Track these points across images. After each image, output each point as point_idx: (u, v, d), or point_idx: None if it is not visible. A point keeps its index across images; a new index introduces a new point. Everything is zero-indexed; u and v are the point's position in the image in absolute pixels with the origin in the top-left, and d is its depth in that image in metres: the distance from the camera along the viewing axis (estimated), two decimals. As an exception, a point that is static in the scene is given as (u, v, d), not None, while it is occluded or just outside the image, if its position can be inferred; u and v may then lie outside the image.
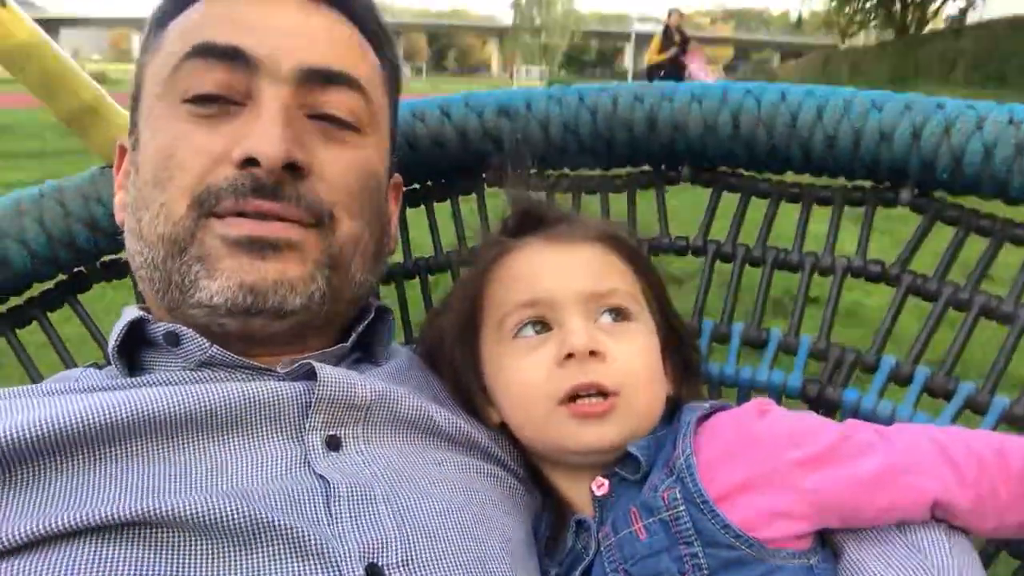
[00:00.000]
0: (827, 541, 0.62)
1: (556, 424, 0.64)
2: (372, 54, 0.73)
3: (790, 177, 0.96)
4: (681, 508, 0.58)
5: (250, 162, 0.61)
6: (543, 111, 0.96)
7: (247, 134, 0.62)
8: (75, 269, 0.89)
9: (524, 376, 0.65)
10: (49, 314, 0.89)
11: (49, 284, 0.88)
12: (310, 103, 0.65)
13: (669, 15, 10.52)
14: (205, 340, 0.62)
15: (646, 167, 1.00)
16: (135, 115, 0.68)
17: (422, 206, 1.03)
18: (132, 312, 0.65)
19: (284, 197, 0.62)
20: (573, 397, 0.63)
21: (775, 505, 0.57)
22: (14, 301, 0.86)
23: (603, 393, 0.63)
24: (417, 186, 1.03)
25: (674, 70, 9.98)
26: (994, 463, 0.59)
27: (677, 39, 10.37)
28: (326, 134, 0.66)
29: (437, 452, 0.65)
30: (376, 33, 0.73)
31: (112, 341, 0.64)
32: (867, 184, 0.91)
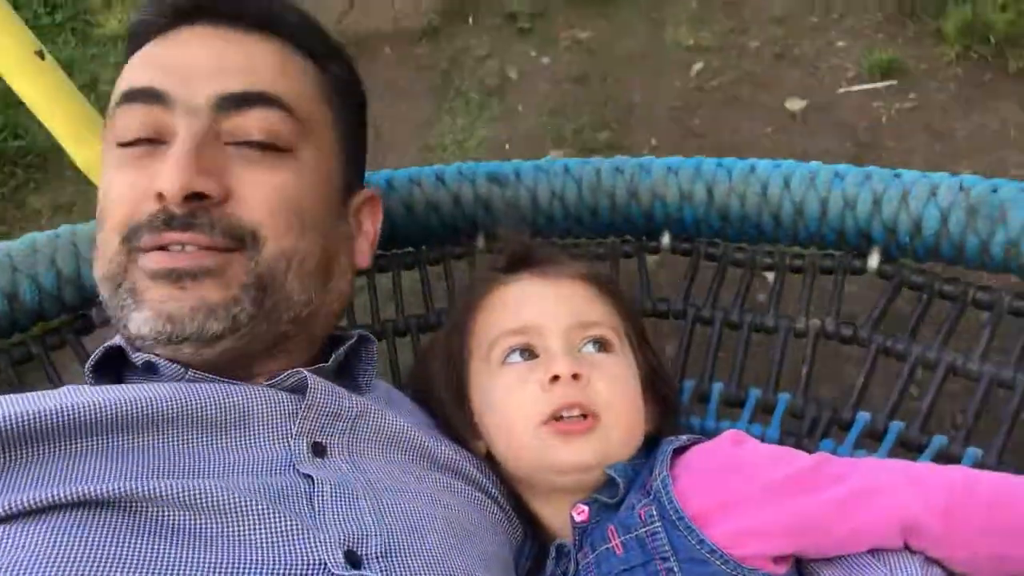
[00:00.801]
0: (804, 570, 0.62)
1: (539, 443, 0.66)
2: (303, 66, 0.72)
3: (765, 248, 1.02)
4: (657, 524, 0.59)
5: (161, 197, 0.63)
6: (531, 180, 1.02)
7: (159, 171, 0.63)
8: (80, 312, 0.92)
9: (511, 400, 0.68)
10: (51, 353, 0.91)
11: (53, 323, 0.91)
12: (228, 130, 0.66)
13: None
14: (180, 367, 0.64)
15: (629, 237, 1.07)
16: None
17: (416, 268, 1.07)
18: (115, 341, 0.67)
19: (196, 227, 0.63)
20: (557, 418, 0.65)
21: (748, 524, 0.59)
22: (18, 337, 0.89)
23: (584, 414, 0.65)
24: (412, 249, 1.08)
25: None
26: (963, 491, 0.61)
27: None
28: (247, 158, 0.66)
29: (420, 470, 0.66)
30: (315, 47, 0.74)
31: (90, 363, 0.66)
32: (837, 253, 0.97)
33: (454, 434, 0.74)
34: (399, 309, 1.06)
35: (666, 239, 1.04)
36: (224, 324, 0.63)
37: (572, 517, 0.65)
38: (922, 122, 1.92)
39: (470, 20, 2.63)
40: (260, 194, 0.65)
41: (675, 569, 0.57)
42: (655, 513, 0.59)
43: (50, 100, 0.83)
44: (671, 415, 0.76)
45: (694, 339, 1.00)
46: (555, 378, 0.66)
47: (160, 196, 0.63)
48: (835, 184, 0.91)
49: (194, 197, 0.62)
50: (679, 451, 0.66)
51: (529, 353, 0.70)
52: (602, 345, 0.71)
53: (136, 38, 0.71)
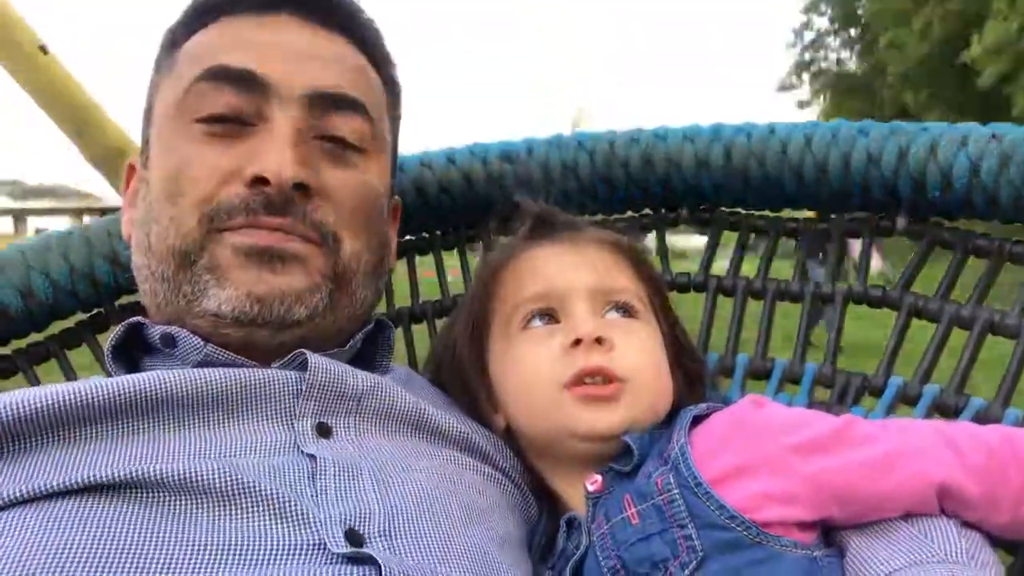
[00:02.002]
0: (833, 539, 0.59)
1: (561, 408, 0.64)
2: (377, 78, 0.76)
3: (787, 214, 0.98)
4: (675, 492, 0.57)
5: (261, 181, 0.64)
6: (543, 155, 1.00)
7: (258, 154, 0.64)
8: (95, 309, 0.92)
9: (531, 364, 0.67)
10: (67, 352, 0.92)
11: (70, 323, 0.92)
12: (319, 125, 0.68)
13: None
14: (200, 339, 0.63)
15: (647, 211, 1.04)
16: (146, 134, 0.72)
17: (431, 253, 1.06)
18: (134, 319, 0.67)
19: (292, 214, 0.65)
20: (579, 382, 0.63)
21: (770, 488, 0.56)
22: (34, 337, 0.90)
23: (609, 380, 0.63)
24: (426, 234, 1.06)
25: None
26: (1002, 449, 0.57)
27: None
28: (333, 156, 0.69)
29: (430, 447, 0.65)
30: (381, 56, 0.77)
31: (108, 343, 0.66)
32: (863, 215, 0.92)
33: (472, 410, 0.73)
34: (414, 295, 1.05)
35: (684, 211, 1.01)
36: (307, 311, 0.64)
37: (585, 487, 0.63)
38: None
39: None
40: (343, 193, 0.68)
41: (693, 536, 0.54)
42: (672, 481, 0.57)
43: (54, 94, 0.83)
44: (695, 387, 0.73)
45: (717, 311, 0.97)
46: (577, 342, 0.64)
47: (258, 180, 0.64)
48: (859, 139, 0.87)
49: (296, 187, 0.64)
50: (699, 419, 0.64)
51: (550, 318, 0.68)
52: (627, 311, 0.69)
53: (206, 12, 0.71)
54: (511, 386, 0.69)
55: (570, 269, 0.69)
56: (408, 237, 1.06)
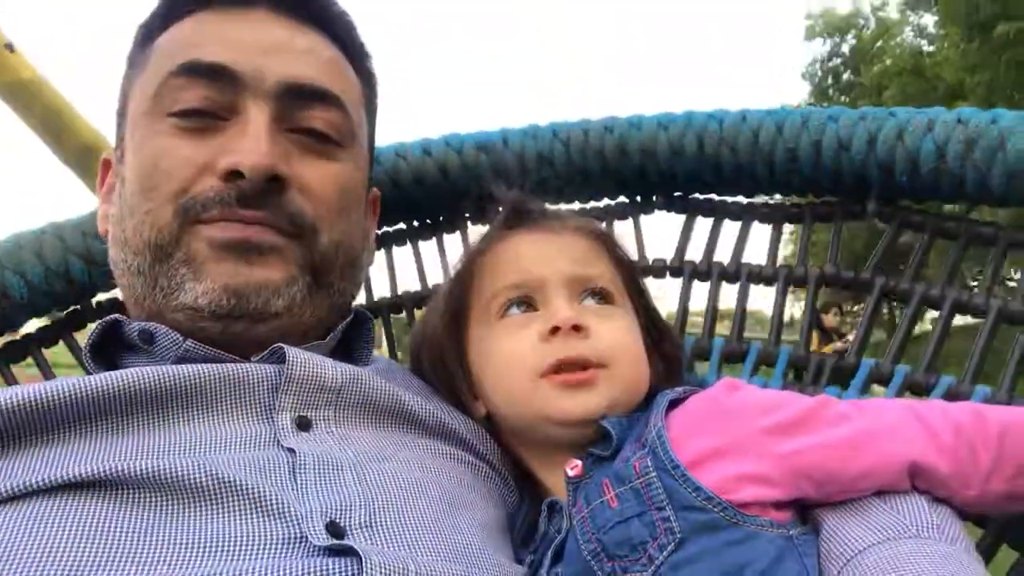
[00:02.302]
0: (808, 518, 0.61)
1: (539, 395, 0.65)
2: (352, 72, 0.76)
3: (761, 199, 1.00)
4: (652, 475, 0.58)
5: (235, 174, 0.64)
6: (519, 144, 1.00)
7: (232, 147, 0.64)
8: (71, 307, 0.92)
9: (509, 352, 0.67)
10: (44, 350, 0.91)
11: (45, 320, 0.91)
12: (292, 118, 0.68)
13: (826, 312, 7.81)
14: (179, 335, 0.63)
15: (622, 199, 1.05)
16: (121, 129, 0.72)
17: (408, 244, 1.06)
18: (110, 317, 0.67)
19: (267, 206, 0.64)
20: (557, 370, 0.64)
21: (745, 469, 0.57)
22: (9, 336, 0.89)
23: (587, 367, 0.64)
24: (403, 225, 1.07)
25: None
26: (971, 425, 0.59)
27: (836, 340, 7.53)
28: (307, 148, 0.69)
29: (409, 437, 0.65)
30: (355, 48, 0.77)
31: (87, 342, 0.66)
32: (834, 200, 0.94)
33: (452, 398, 0.73)
34: (393, 286, 1.05)
35: (660, 197, 1.02)
36: (284, 303, 0.65)
37: (566, 472, 0.64)
38: None
39: None
40: (319, 185, 0.68)
41: (671, 518, 0.55)
42: (650, 464, 0.58)
43: (22, 93, 0.82)
44: (673, 370, 0.74)
45: (691, 296, 0.98)
46: (555, 330, 0.65)
47: (232, 173, 0.63)
48: (829, 126, 0.88)
49: (270, 179, 0.64)
50: (675, 403, 0.65)
51: (528, 306, 0.69)
52: (603, 297, 0.70)
53: (183, 5, 0.70)
54: (490, 375, 0.70)
55: (546, 257, 0.70)
56: (385, 229, 1.07)
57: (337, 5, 0.75)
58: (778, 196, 0.99)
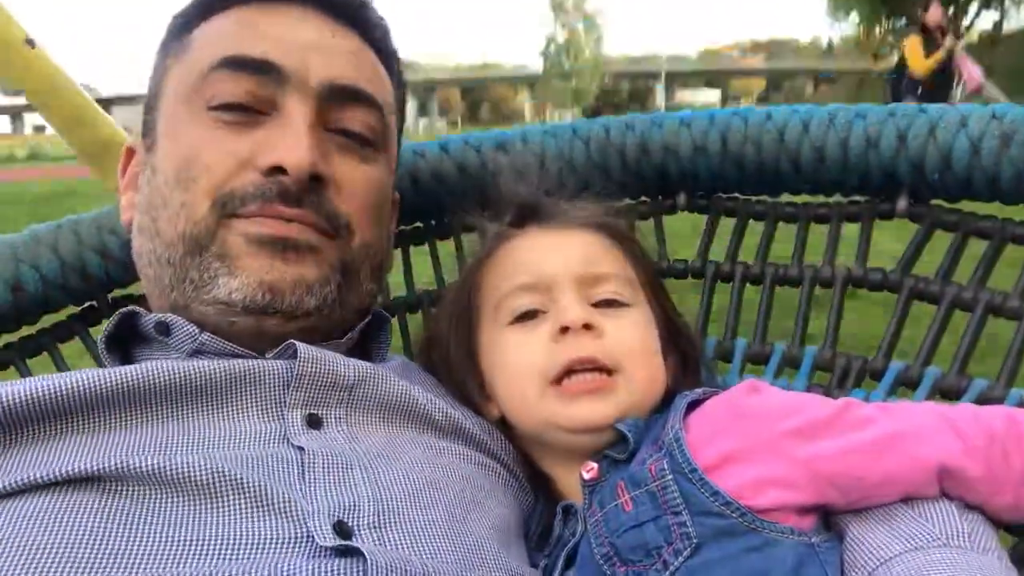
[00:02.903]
0: (832, 525, 0.58)
1: (551, 402, 0.63)
2: (387, 75, 0.76)
3: (786, 198, 0.97)
4: (669, 478, 0.56)
5: (277, 170, 0.63)
6: (538, 144, 0.99)
7: (274, 143, 0.64)
8: (87, 302, 0.92)
9: (519, 356, 0.66)
10: (60, 345, 0.91)
11: (61, 316, 0.91)
12: (332, 118, 0.68)
13: (927, 9, 7.18)
14: (195, 327, 0.63)
15: (644, 198, 1.02)
16: (152, 117, 0.71)
17: (425, 244, 1.05)
18: (128, 308, 0.67)
19: (306, 204, 0.64)
20: (568, 374, 0.62)
21: (765, 473, 0.55)
22: (27, 330, 0.89)
23: (599, 369, 0.62)
24: (420, 224, 1.06)
25: (944, 79, 7.02)
26: (1004, 429, 0.56)
27: (945, 40, 7.01)
28: (345, 148, 0.69)
29: (423, 436, 0.64)
30: (389, 52, 0.77)
31: (102, 333, 0.65)
32: (863, 199, 0.91)
33: (466, 400, 0.72)
34: (409, 284, 1.04)
35: (682, 197, 1.00)
36: (317, 302, 0.64)
37: (581, 475, 0.62)
38: None
39: None
40: (355, 186, 0.68)
41: (687, 523, 0.53)
42: (667, 467, 0.56)
43: (42, 87, 0.83)
44: (691, 370, 0.72)
45: (715, 298, 0.96)
46: (565, 330, 0.63)
47: (274, 169, 0.63)
48: (856, 123, 0.86)
49: (312, 177, 0.64)
50: (694, 404, 0.63)
51: (538, 311, 0.67)
52: (615, 302, 0.68)
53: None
54: (501, 380, 0.68)
55: (555, 256, 0.68)
56: (403, 227, 1.06)
57: (375, 10, 0.75)
58: (805, 196, 0.97)
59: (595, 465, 0.62)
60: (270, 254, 0.63)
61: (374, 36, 0.75)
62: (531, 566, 0.61)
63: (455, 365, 0.72)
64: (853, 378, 0.83)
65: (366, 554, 0.47)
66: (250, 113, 0.66)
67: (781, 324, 0.93)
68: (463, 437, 0.67)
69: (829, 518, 0.58)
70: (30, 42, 0.80)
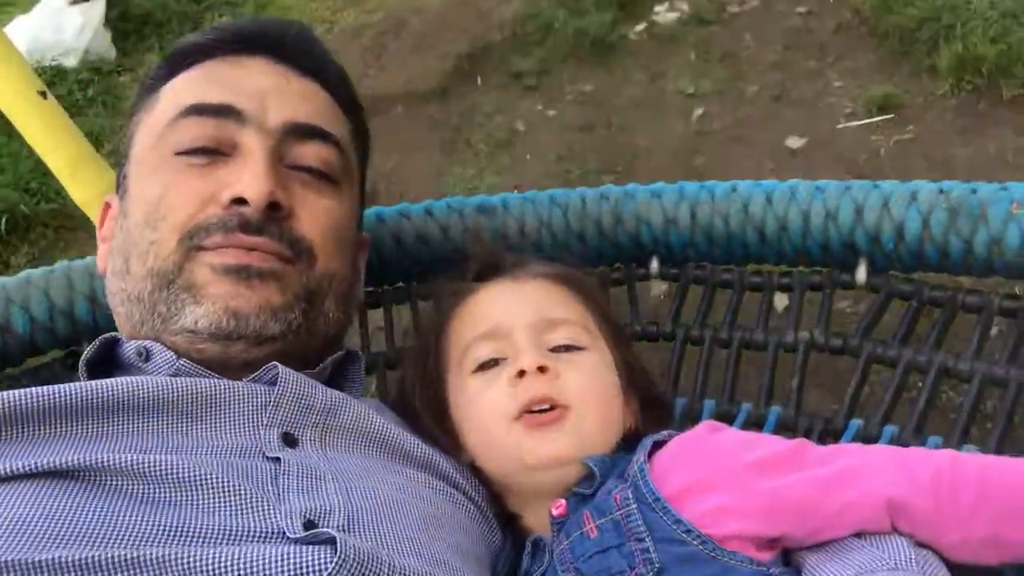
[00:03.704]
0: (792, 561, 0.60)
1: (513, 440, 0.65)
2: (343, 115, 0.80)
3: (752, 268, 1.02)
4: (633, 506, 0.58)
5: (238, 202, 0.67)
6: (518, 210, 1.04)
7: (235, 177, 0.68)
8: (71, 347, 0.94)
9: (482, 403, 0.68)
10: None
11: (45, 359, 0.93)
12: (291, 155, 0.72)
13: None
14: (173, 354, 0.65)
15: (619, 264, 1.07)
16: (124, 169, 0.76)
17: (406, 303, 1.08)
18: (108, 335, 0.69)
19: (267, 232, 0.68)
20: (526, 412, 0.65)
21: (726, 502, 0.57)
22: (10, 371, 0.91)
23: (555, 407, 0.65)
24: (403, 284, 1.09)
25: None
26: (950, 468, 0.59)
27: None
28: (304, 183, 0.72)
29: (394, 464, 0.66)
30: (348, 101, 0.81)
31: (83, 358, 0.67)
32: (824, 269, 0.96)
33: (437, 446, 0.74)
34: (391, 344, 1.06)
35: (655, 265, 1.04)
36: (282, 327, 0.66)
37: (550, 511, 0.64)
38: (920, 152, 1.93)
39: (478, 81, 2.71)
40: (314, 215, 0.71)
41: (651, 549, 0.55)
42: (631, 496, 0.58)
43: (51, 138, 0.87)
44: (656, 414, 0.75)
45: (685, 361, 0.99)
46: (522, 373, 0.66)
47: (235, 201, 0.67)
48: (816, 197, 0.91)
49: (271, 207, 0.67)
50: (659, 445, 0.65)
51: (498, 360, 0.70)
52: (572, 340, 0.71)
53: (185, 57, 0.76)
54: (468, 428, 0.71)
55: (512, 306, 0.72)
56: (385, 287, 1.09)
57: (331, 57, 0.81)
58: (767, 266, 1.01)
59: (563, 502, 0.64)
60: (234, 282, 0.66)
61: (329, 83, 0.79)
62: None
63: (424, 416, 0.74)
64: (816, 436, 0.86)
65: (337, 540, 0.48)
66: (213, 155, 0.70)
67: (747, 387, 0.96)
68: (434, 470, 0.69)
69: (789, 555, 0.60)
70: (42, 94, 0.84)
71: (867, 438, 0.83)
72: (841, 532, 0.58)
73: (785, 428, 0.88)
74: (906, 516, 0.57)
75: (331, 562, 0.47)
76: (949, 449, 0.63)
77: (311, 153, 0.73)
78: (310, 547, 0.49)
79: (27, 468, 0.51)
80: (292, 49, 0.77)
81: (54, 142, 0.87)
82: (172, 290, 0.66)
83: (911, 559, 0.54)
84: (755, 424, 0.90)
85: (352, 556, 0.48)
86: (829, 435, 0.85)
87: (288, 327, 0.67)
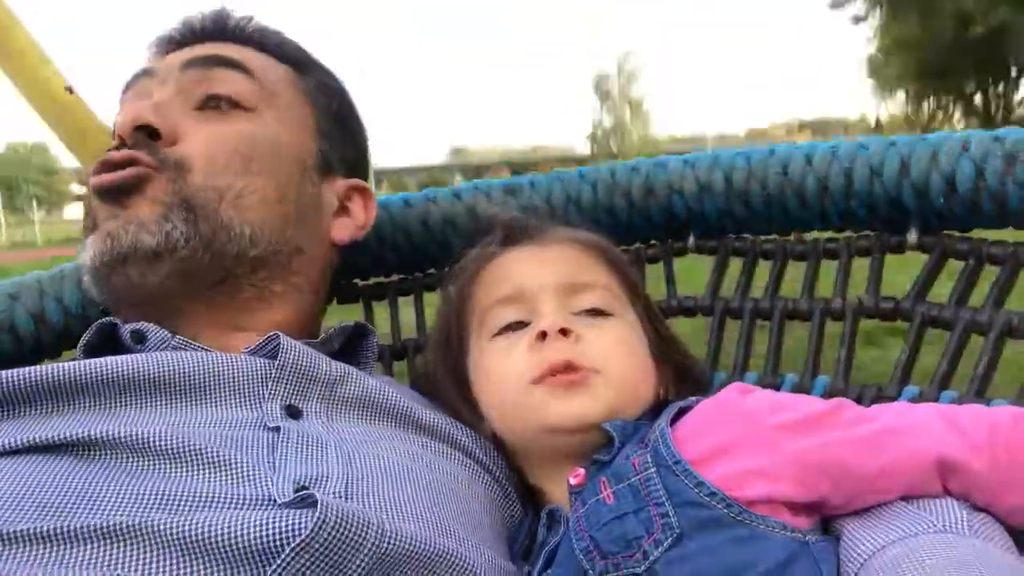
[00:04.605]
0: (831, 528, 0.55)
1: (534, 402, 0.62)
2: (273, 62, 0.80)
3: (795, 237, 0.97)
4: (652, 471, 0.54)
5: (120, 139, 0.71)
6: (545, 188, 1.01)
7: None
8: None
9: (501, 366, 0.66)
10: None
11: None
12: (198, 88, 0.73)
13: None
14: (167, 333, 0.65)
15: (653, 241, 1.03)
16: None
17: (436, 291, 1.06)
18: (104, 320, 0.69)
19: (134, 148, 0.69)
20: (546, 376, 0.62)
21: (753, 465, 0.53)
22: (47, 364, 0.92)
23: (576, 370, 0.62)
24: (434, 270, 1.07)
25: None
26: (1008, 425, 0.53)
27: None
28: (207, 116, 0.73)
29: (407, 434, 0.64)
30: (291, 55, 0.83)
31: (80, 345, 0.68)
32: (872, 233, 0.90)
33: (458, 420, 0.71)
34: (421, 330, 1.05)
35: (691, 239, 1.00)
36: (157, 239, 0.66)
37: (569, 482, 0.60)
38: None
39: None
40: (203, 138, 0.71)
41: (670, 513, 0.51)
42: (650, 460, 0.54)
43: (78, 133, 0.88)
44: (684, 381, 0.71)
45: (725, 336, 0.94)
46: (543, 335, 0.63)
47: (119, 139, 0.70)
48: (859, 153, 0.86)
49: (142, 130, 0.69)
50: (685, 411, 0.61)
51: (521, 324, 0.67)
52: (599, 313, 0.67)
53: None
54: (487, 392, 0.68)
55: (536, 269, 0.69)
56: (416, 274, 1.07)
57: (270, 31, 0.83)
58: (815, 233, 0.96)
59: (582, 471, 0.60)
60: (109, 205, 0.68)
61: (268, 47, 0.82)
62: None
63: (445, 385, 0.72)
64: (866, 406, 0.79)
65: (319, 502, 0.46)
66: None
67: (792, 363, 0.90)
68: (450, 441, 0.66)
69: (829, 523, 0.55)
70: (69, 89, 0.86)
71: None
72: (884, 496, 0.52)
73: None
74: (959, 476, 0.52)
75: (311, 522, 0.45)
76: (1007, 407, 0.57)
77: (217, 79, 0.74)
78: (293, 511, 0.47)
79: (14, 445, 0.51)
80: (200, 33, 0.81)
81: (81, 136, 0.88)
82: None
83: (962, 520, 0.48)
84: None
85: (333, 518, 0.46)
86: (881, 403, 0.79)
87: (167, 240, 0.66)
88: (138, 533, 0.44)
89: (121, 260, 0.66)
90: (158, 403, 0.58)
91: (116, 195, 0.68)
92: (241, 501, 0.49)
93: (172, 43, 0.81)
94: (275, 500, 0.49)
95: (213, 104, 0.73)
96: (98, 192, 0.68)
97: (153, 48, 0.82)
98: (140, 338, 0.66)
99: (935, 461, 0.51)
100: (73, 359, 0.93)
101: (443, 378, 0.72)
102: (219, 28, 0.80)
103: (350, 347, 0.75)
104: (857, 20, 28.31)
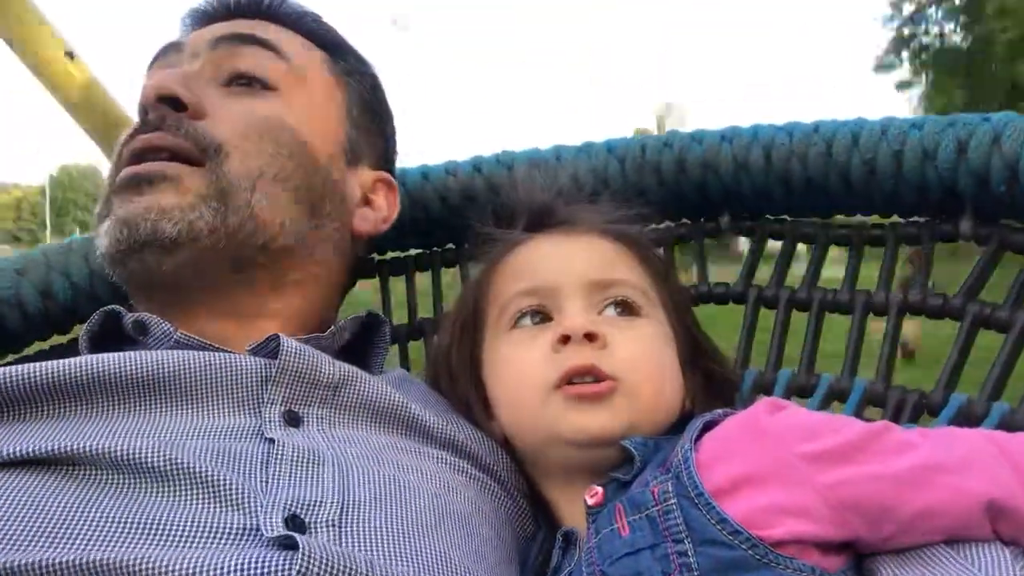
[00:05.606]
0: (865, 569, 0.51)
1: (550, 410, 0.59)
2: (305, 42, 0.78)
3: (838, 220, 0.90)
4: (672, 502, 0.50)
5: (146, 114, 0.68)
6: (572, 162, 0.96)
7: None
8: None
9: (519, 364, 0.62)
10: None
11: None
12: (227, 63, 0.71)
13: None
14: (170, 326, 0.62)
15: (684, 220, 0.97)
16: None
17: (455, 265, 1.02)
18: (108, 308, 0.67)
19: (164, 127, 0.65)
20: (568, 382, 0.58)
21: (781, 500, 0.48)
22: (56, 340, 0.90)
23: (599, 379, 0.57)
24: (452, 245, 1.03)
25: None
26: None
27: None
28: (234, 93, 0.70)
29: (412, 444, 0.60)
30: (324, 37, 0.80)
31: (83, 332, 0.65)
32: (922, 219, 0.84)
33: (469, 417, 0.68)
34: (437, 307, 1.01)
35: (726, 218, 0.94)
36: (179, 227, 0.63)
37: (585, 500, 0.56)
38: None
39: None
40: (233, 116, 0.68)
41: (689, 553, 0.47)
42: (671, 489, 0.50)
43: (81, 99, 0.85)
44: (716, 391, 0.66)
45: (758, 326, 0.89)
46: (566, 339, 0.58)
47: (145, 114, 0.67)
48: (911, 134, 0.79)
49: (168, 102, 0.66)
50: (711, 425, 0.56)
51: (542, 316, 0.63)
52: (626, 308, 0.63)
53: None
54: (500, 390, 0.64)
55: (562, 262, 0.64)
56: (435, 248, 1.03)
57: (305, 11, 0.80)
58: (859, 217, 0.90)
59: (599, 489, 0.57)
60: (125, 193, 0.64)
61: (299, 26, 0.79)
62: None
63: (457, 376, 0.68)
64: (908, 413, 0.74)
65: (300, 546, 0.43)
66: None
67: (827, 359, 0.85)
68: (458, 451, 0.63)
69: (863, 562, 0.50)
70: (69, 54, 0.82)
71: (970, 417, 0.71)
72: (925, 538, 0.48)
73: (872, 403, 0.77)
74: (1012, 522, 0.47)
75: (293, 570, 0.42)
76: None
77: (244, 59, 0.71)
78: (277, 552, 0.44)
79: None
80: (235, 9, 0.78)
81: (85, 103, 0.85)
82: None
83: (1011, 574, 0.44)
84: (837, 398, 0.79)
85: (316, 567, 0.43)
86: (926, 410, 0.74)
87: (191, 229, 0.63)
88: (116, 572, 0.42)
89: (137, 248, 0.63)
90: (152, 407, 0.55)
91: (137, 184, 0.64)
92: (228, 533, 0.46)
93: (205, 17, 0.78)
94: (260, 530, 0.46)
95: (243, 82, 0.71)
96: (121, 182, 0.65)
97: (186, 20, 0.79)
98: (142, 329, 0.63)
99: (985, 504, 0.47)
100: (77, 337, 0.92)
101: (457, 367, 0.68)
102: (254, 5, 0.77)
103: (363, 336, 0.71)
104: (901, 86, 26.59)
